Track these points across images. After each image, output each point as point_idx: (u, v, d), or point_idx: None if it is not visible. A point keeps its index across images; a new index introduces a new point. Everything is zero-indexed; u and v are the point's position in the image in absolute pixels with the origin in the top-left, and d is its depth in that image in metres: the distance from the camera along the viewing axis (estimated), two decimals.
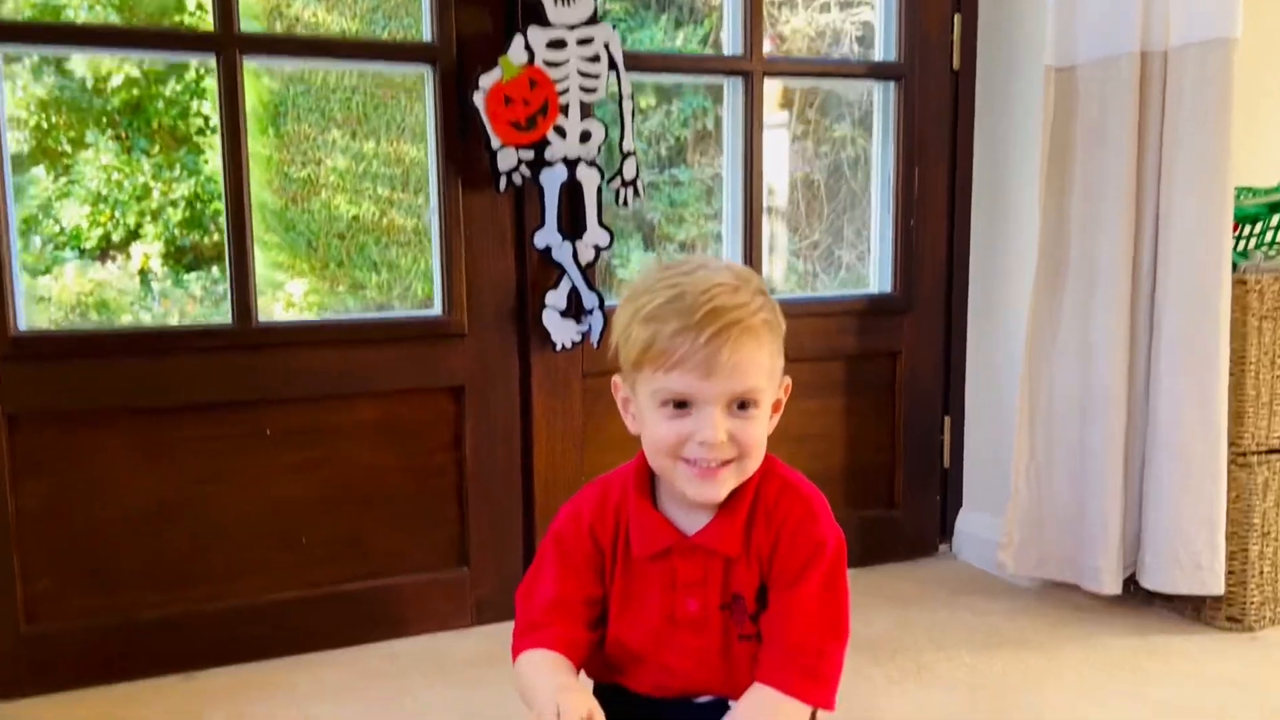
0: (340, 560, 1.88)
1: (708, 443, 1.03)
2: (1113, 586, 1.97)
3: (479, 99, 1.78)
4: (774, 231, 4.56)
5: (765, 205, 2.10)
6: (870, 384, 2.26)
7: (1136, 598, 2.04)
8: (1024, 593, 2.13)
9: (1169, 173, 1.88)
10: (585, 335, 1.93)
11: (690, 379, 1.02)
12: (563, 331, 1.92)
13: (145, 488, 1.75)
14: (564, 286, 1.91)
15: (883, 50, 2.22)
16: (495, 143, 1.80)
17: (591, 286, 1.91)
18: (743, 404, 1.04)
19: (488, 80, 1.78)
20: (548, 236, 1.89)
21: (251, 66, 1.79)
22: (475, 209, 1.89)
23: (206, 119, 4.87)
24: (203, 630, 1.79)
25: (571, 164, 1.86)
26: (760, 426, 1.06)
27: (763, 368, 1.04)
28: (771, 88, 2.08)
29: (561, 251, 1.89)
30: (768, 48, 2.11)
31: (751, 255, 2.10)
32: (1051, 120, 1.97)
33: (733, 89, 2.10)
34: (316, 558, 1.87)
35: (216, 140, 1.75)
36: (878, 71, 2.21)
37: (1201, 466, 1.87)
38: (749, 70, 2.06)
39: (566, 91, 1.84)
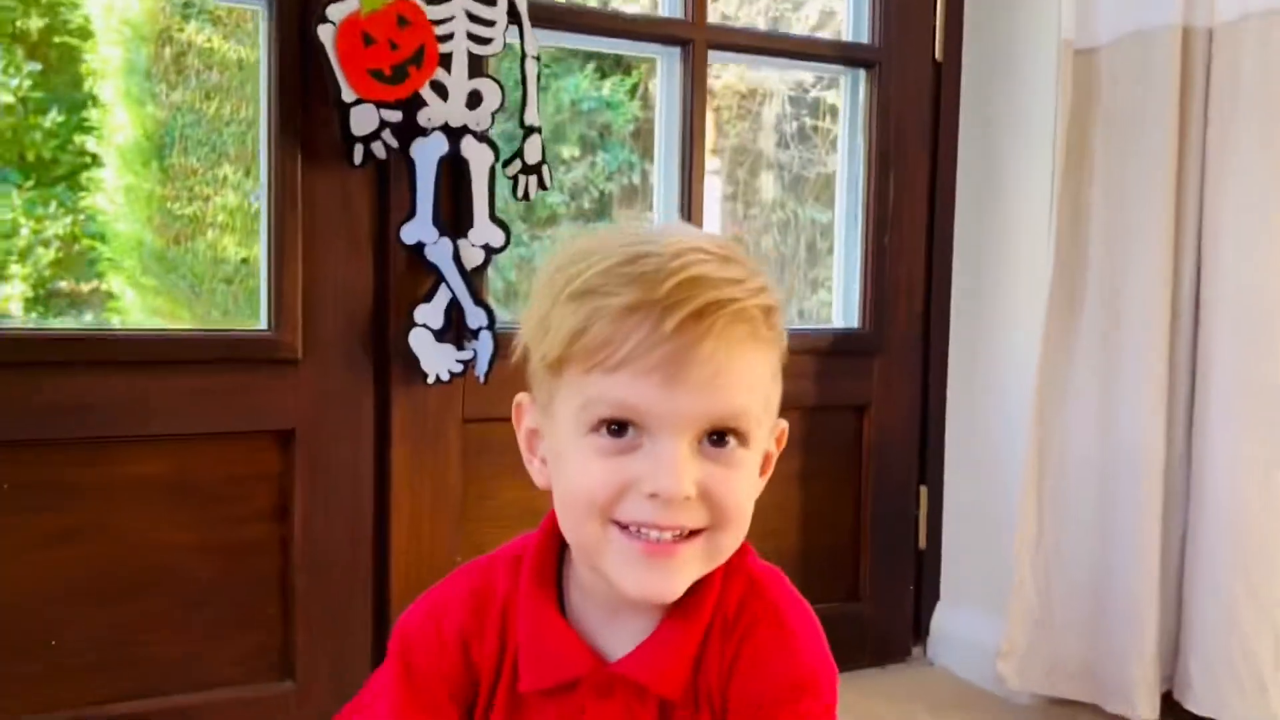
0: (108, 671, 1.33)
1: (664, 495, 0.63)
2: (1148, 710, 1.52)
3: (326, 35, 1.30)
4: None
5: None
6: (832, 443, 1.80)
7: None
8: (1024, 712, 1.67)
9: (1217, 174, 1.49)
10: (468, 365, 1.44)
11: (645, 387, 0.62)
12: (437, 359, 1.42)
13: None
14: (440, 298, 1.42)
15: (852, 31, 1.81)
16: (349, 95, 1.32)
17: (479, 300, 1.42)
18: (721, 436, 0.64)
19: (339, 10, 1.30)
20: (419, 230, 1.40)
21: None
22: (320, 189, 1.40)
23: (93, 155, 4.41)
24: None
25: (454, 134, 1.39)
26: (748, 478, 0.66)
27: (760, 384, 0.65)
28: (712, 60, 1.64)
29: (438, 250, 1.40)
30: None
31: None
32: (1069, 112, 1.57)
33: (668, 63, 1.66)
34: (72, 669, 1.32)
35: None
36: (848, 55, 1.79)
37: (1265, 553, 1.44)
38: (689, 38, 1.62)
39: (450, 38, 1.37)
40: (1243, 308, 1.45)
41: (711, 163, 4.09)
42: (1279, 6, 1.42)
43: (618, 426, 0.63)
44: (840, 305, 1.84)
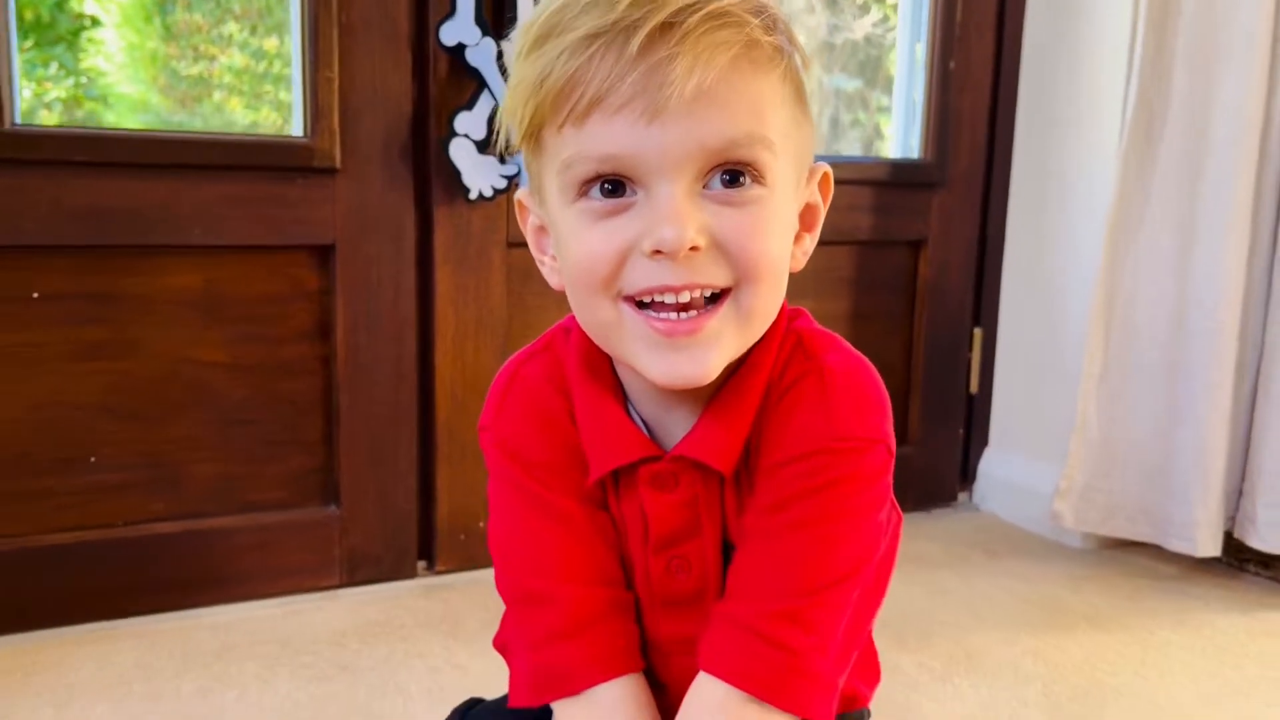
0: (146, 490, 1.30)
1: (667, 248, 0.53)
2: (1211, 547, 1.49)
3: None
4: None
5: None
6: (885, 281, 1.73)
7: (1223, 563, 1.57)
8: (1079, 555, 1.64)
9: None
10: (512, 181, 1.36)
11: (621, 127, 0.52)
12: (480, 173, 1.35)
13: None
14: (483, 106, 1.33)
15: None
16: None
17: None
18: (732, 175, 0.54)
19: None
20: (460, 30, 1.31)
21: None
22: None
23: (92, 18, 4.23)
24: None
25: None
26: (773, 223, 0.56)
27: (765, 101, 0.54)
28: None
29: (479, 52, 1.31)
30: None
31: None
32: None
33: None
34: (111, 486, 1.28)
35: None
36: None
37: None
38: None
39: None
40: None
41: None
42: None
43: (609, 185, 0.54)
44: (900, 134, 1.74)
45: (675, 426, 0.62)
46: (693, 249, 0.53)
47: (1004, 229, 1.78)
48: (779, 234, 0.57)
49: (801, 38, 0.58)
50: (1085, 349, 1.55)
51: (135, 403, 1.28)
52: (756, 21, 0.54)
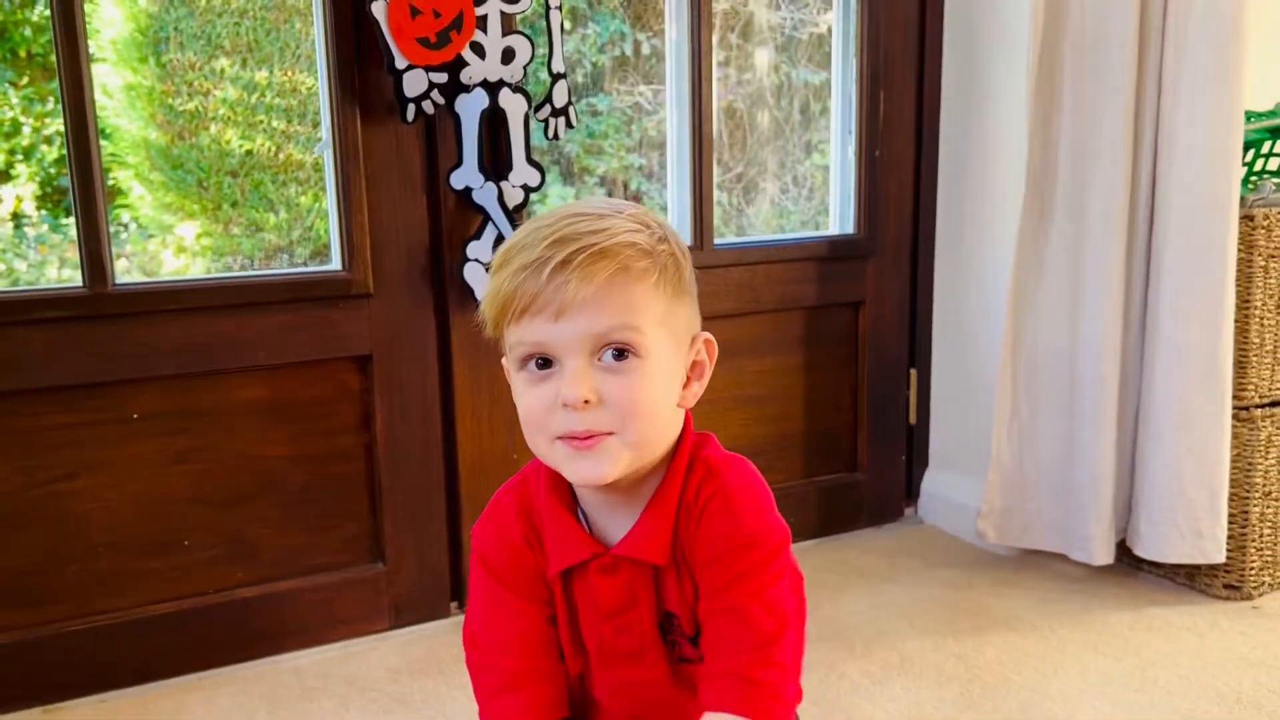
0: (230, 564, 1.60)
1: (569, 402, 0.81)
2: (1105, 557, 1.79)
3: (378, 10, 1.47)
4: None
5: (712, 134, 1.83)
6: (831, 337, 2.03)
7: (1123, 564, 1.87)
8: (1003, 562, 1.95)
9: (1172, 92, 1.66)
10: None
11: (539, 323, 0.81)
12: None
13: None
14: (488, 235, 1.62)
15: None
16: (400, 63, 1.50)
17: None
18: (617, 352, 0.82)
19: None
20: (467, 176, 1.59)
21: None
22: (378, 145, 1.58)
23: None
24: (66, 655, 1.50)
25: (493, 88, 1.57)
26: (646, 383, 0.83)
27: (637, 304, 0.82)
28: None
29: (484, 193, 1.60)
30: None
31: (701, 202, 1.83)
32: (1040, 35, 1.73)
33: (676, 9, 1.81)
34: (200, 562, 1.58)
35: (95, 70, 1.40)
36: None
37: (1204, 424, 1.68)
38: None
39: (485, 1, 1.54)
40: (1189, 215, 1.65)
41: None
42: None
43: (540, 361, 0.82)
44: (836, 213, 2.04)
45: (615, 529, 0.91)
46: (586, 402, 0.81)
47: (931, 288, 2.08)
48: (653, 389, 0.83)
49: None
50: (997, 391, 1.85)
51: (217, 494, 1.58)
52: (633, 254, 0.81)
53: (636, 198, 4.54)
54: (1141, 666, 1.56)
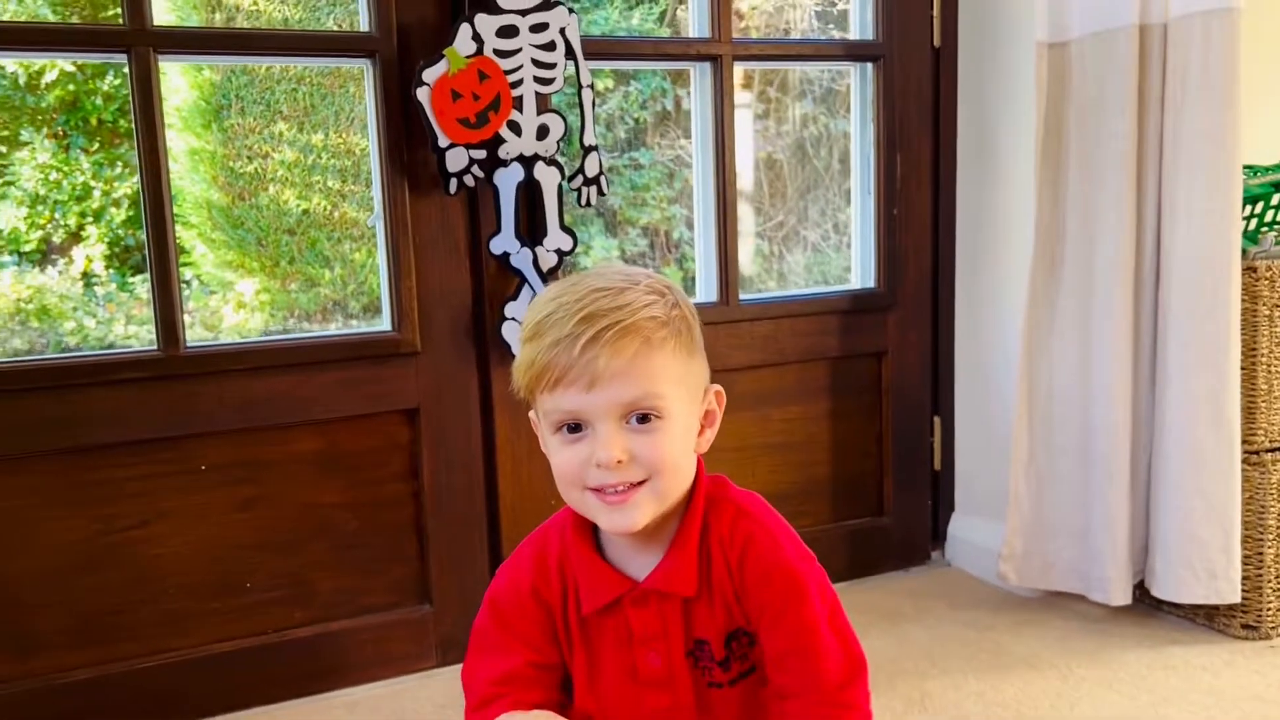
0: (289, 605, 1.72)
1: (602, 464, 0.91)
2: (1122, 598, 1.85)
3: (423, 95, 1.61)
4: (739, 215, 4.43)
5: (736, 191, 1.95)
6: (855, 386, 2.12)
7: (1144, 604, 1.92)
8: (1026, 603, 2.01)
9: (1172, 153, 1.74)
10: None
11: (573, 394, 0.91)
12: None
13: (67, 536, 1.57)
14: (524, 296, 1.74)
15: (859, 28, 2.07)
16: (443, 142, 1.63)
17: None
18: (642, 416, 0.92)
19: (432, 74, 1.61)
20: (505, 242, 1.72)
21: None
22: (424, 214, 1.72)
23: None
24: (138, 691, 1.62)
25: (528, 162, 1.70)
26: (669, 440, 0.93)
27: (658, 372, 0.92)
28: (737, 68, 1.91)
29: (521, 258, 1.73)
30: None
31: (726, 246, 1.94)
32: (1045, 99, 1.83)
33: (700, 74, 1.94)
34: (261, 603, 1.70)
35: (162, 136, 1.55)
36: (855, 52, 2.06)
37: (1214, 467, 1.75)
38: (718, 54, 1.90)
39: (520, 83, 1.67)
40: (1193, 269, 1.72)
41: (741, 95, 4.29)
42: (1215, 7, 1.66)
43: (572, 426, 0.93)
44: (857, 269, 2.14)
45: (638, 567, 1.01)
46: (619, 462, 0.91)
47: (953, 338, 2.17)
48: (676, 445, 0.94)
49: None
50: (1013, 437, 1.93)
51: (277, 539, 1.70)
52: (653, 327, 0.92)
53: (677, 246, 4.67)
54: (1156, 704, 1.61)
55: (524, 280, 1.74)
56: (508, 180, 1.70)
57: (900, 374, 2.13)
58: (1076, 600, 1.96)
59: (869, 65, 2.05)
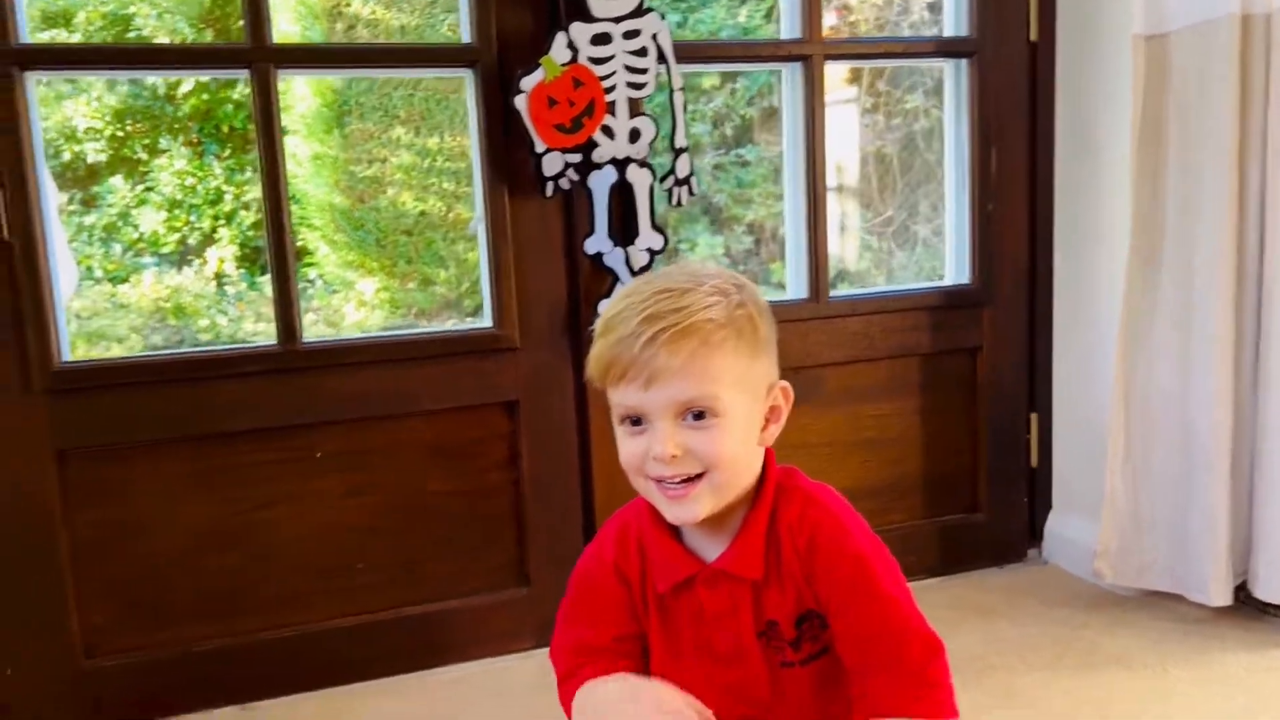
0: (397, 586, 1.82)
1: (659, 457, 0.96)
2: (1221, 598, 1.81)
3: (520, 102, 1.69)
4: (845, 211, 4.41)
5: (834, 185, 1.97)
6: (948, 383, 2.12)
7: (1247, 606, 1.88)
8: (1123, 602, 1.98)
9: (1276, 148, 1.70)
10: None
11: (634, 390, 0.96)
12: None
13: (197, 517, 1.71)
14: (618, 293, 1.81)
15: (953, 24, 2.07)
16: (540, 147, 1.71)
17: None
18: (698, 414, 0.96)
19: (529, 82, 1.68)
20: (599, 242, 1.79)
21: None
22: (523, 216, 1.80)
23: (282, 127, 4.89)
24: (259, 661, 1.75)
25: (621, 165, 1.77)
26: (725, 437, 0.97)
27: (716, 372, 0.96)
28: (836, 65, 1.94)
29: (613, 258, 1.80)
30: (832, 20, 1.97)
31: (816, 244, 1.97)
32: (1142, 93, 1.81)
33: (791, 74, 1.97)
34: (372, 584, 1.81)
35: (287, 142, 1.68)
36: (947, 48, 2.06)
37: None
38: (808, 54, 1.93)
39: (613, 89, 1.74)
40: None
41: (847, 91, 4.27)
42: None
43: (634, 420, 0.98)
44: (952, 264, 2.14)
45: (710, 550, 1.06)
46: (673, 457, 0.96)
47: (1050, 333, 2.15)
48: (731, 441, 0.98)
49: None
50: (1109, 434, 1.91)
51: (387, 524, 1.81)
52: (713, 328, 0.96)
53: (783, 242, 4.69)
54: (1254, 707, 1.58)
55: (617, 279, 1.81)
56: (601, 183, 1.76)
57: (995, 370, 2.13)
58: (1175, 600, 1.93)
59: (963, 61, 2.05)
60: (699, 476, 0.98)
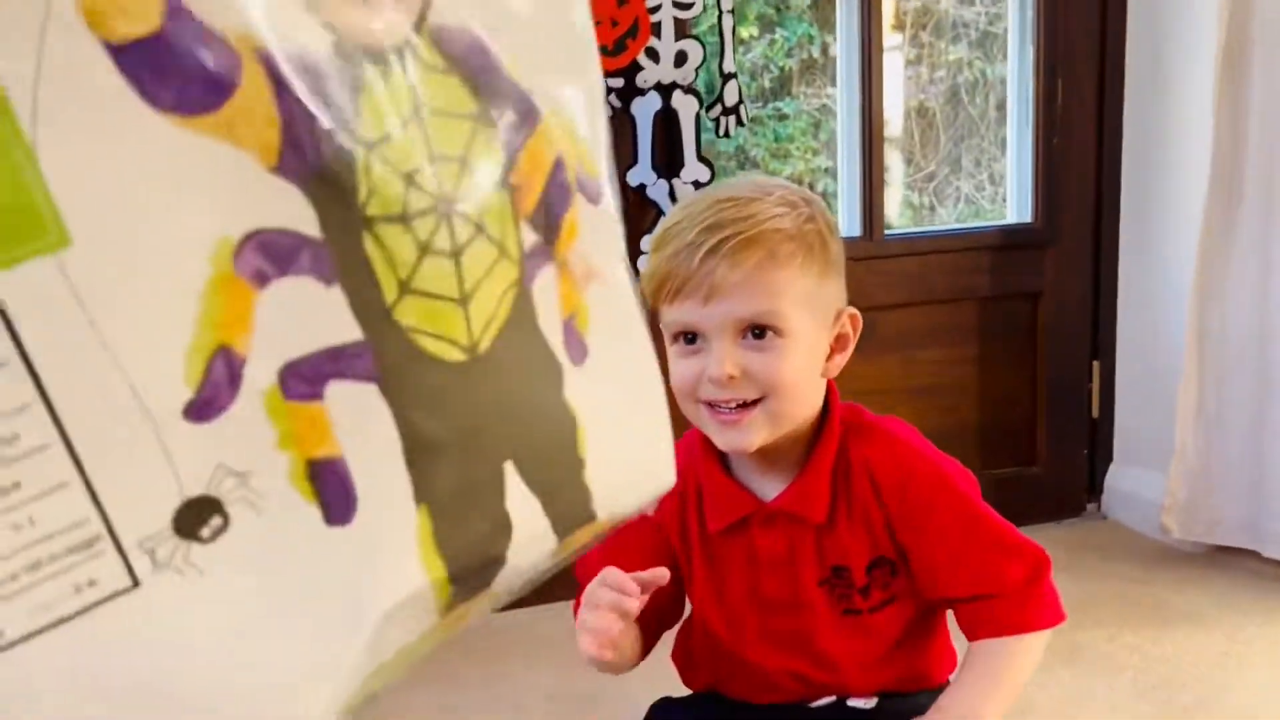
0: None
1: (714, 378, 0.87)
2: None
3: None
4: (887, 165, 4.29)
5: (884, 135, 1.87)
6: (1007, 328, 2.01)
7: None
8: (1190, 559, 1.88)
9: None
10: None
11: (690, 305, 0.86)
12: None
13: None
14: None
15: None
16: None
17: None
18: (758, 331, 0.87)
19: None
20: (641, 174, 1.70)
21: None
22: None
23: None
24: None
25: (666, 90, 1.67)
26: (787, 360, 0.88)
27: (782, 287, 0.87)
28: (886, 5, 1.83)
29: (657, 190, 1.70)
30: None
31: (871, 191, 1.87)
32: (1228, 18, 1.68)
33: (847, 4, 1.86)
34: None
35: None
36: None
37: None
38: None
39: (659, 9, 1.64)
40: None
41: (892, 38, 4.13)
42: None
43: (689, 337, 0.89)
44: (1014, 201, 2.03)
45: (768, 488, 0.96)
46: (730, 378, 0.87)
47: (1115, 277, 2.04)
48: (794, 365, 0.89)
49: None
50: (1182, 382, 1.80)
51: None
52: (780, 240, 0.87)
53: (821, 196, 4.57)
54: None
55: (660, 212, 1.71)
56: (645, 110, 1.67)
57: (1057, 316, 2.02)
58: (1248, 556, 1.83)
59: None
60: (755, 403, 0.89)
